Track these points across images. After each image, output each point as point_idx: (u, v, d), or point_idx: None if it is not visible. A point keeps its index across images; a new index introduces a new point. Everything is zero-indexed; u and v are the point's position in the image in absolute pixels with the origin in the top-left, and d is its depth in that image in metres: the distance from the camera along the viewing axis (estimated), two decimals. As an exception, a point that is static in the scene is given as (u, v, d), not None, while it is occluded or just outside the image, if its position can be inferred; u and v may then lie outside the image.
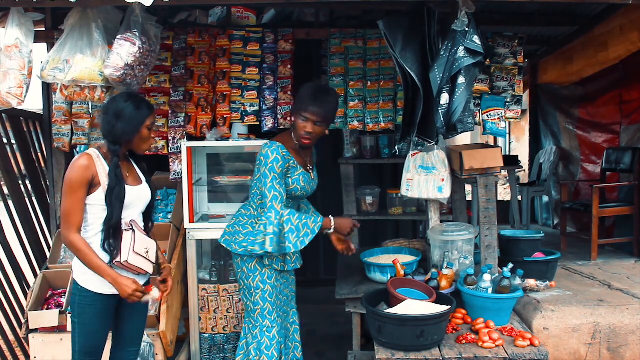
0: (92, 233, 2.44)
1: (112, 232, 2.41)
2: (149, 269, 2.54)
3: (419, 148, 3.46)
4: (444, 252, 3.15)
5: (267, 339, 2.84)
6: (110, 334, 2.59)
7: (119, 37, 3.00)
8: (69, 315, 3.28)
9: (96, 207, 2.44)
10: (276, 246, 2.70)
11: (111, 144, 2.45)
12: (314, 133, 2.72)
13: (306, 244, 2.72)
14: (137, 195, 2.52)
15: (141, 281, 2.57)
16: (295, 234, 2.70)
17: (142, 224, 2.59)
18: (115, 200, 2.41)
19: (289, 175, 2.77)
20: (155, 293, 2.53)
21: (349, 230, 2.86)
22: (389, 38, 3.06)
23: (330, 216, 2.84)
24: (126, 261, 2.40)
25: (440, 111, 2.96)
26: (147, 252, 2.50)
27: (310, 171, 2.92)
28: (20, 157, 4.20)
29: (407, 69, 3.02)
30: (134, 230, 2.46)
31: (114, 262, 2.41)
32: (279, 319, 2.89)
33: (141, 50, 3.01)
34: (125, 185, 2.45)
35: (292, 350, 2.99)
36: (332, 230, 2.82)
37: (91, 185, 2.42)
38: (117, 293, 2.48)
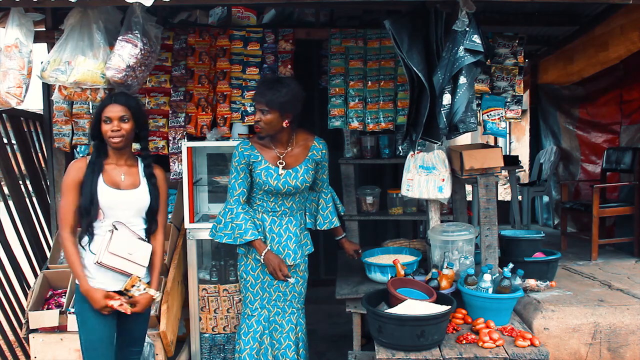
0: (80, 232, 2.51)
1: (88, 229, 2.46)
2: (133, 270, 2.53)
3: (419, 148, 3.46)
4: (444, 252, 3.15)
5: (246, 326, 3.02)
6: None
7: (120, 38, 2.99)
8: (69, 315, 3.30)
9: None
10: (212, 232, 3.00)
11: (90, 138, 2.57)
12: (262, 121, 2.82)
13: (222, 242, 2.95)
14: (125, 200, 2.52)
15: (122, 282, 2.54)
16: (220, 227, 2.96)
17: (141, 227, 2.60)
18: (84, 198, 2.44)
19: (253, 169, 2.92)
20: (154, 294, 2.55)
21: (270, 269, 2.84)
22: (395, 38, 3.03)
23: (269, 247, 2.88)
24: (100, 261, 2.43)
25: (442, 112, 2.94)
26: (131, 254, 2.50)
27: (281, 167, 2.90)
28: (21, 157, 4.20)
29: (414, 68, 2.99)
30: (112, 232, 2.47)
31: (94, 262, 2.45)
32: (262, 310, 3.01)
33: (142, 52, 3.00)
34: (108, 187, 2.47)
35: (285, 348, 3.01)
36: (262, 257, 2.86)
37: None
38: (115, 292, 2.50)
